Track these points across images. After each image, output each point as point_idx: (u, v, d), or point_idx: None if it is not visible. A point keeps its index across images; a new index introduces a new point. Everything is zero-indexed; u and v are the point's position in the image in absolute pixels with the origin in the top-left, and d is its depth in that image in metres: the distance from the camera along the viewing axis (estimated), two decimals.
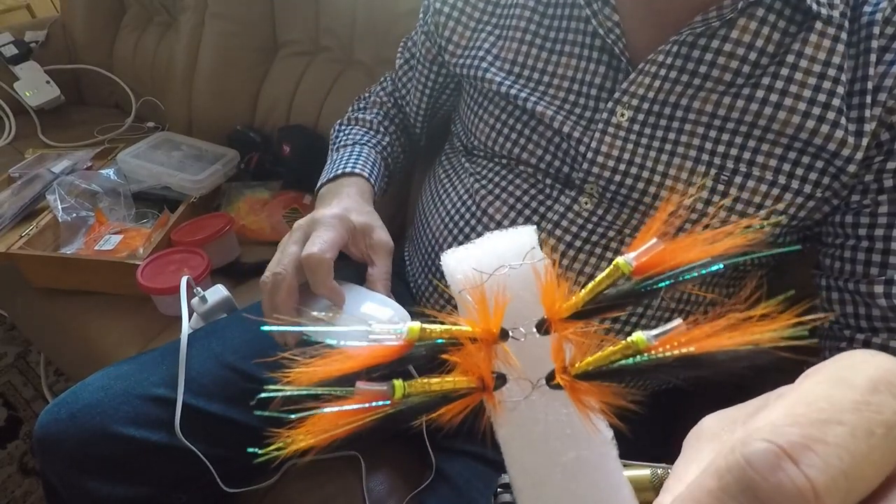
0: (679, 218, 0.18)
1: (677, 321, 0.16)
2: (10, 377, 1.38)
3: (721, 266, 0.17)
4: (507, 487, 0.22)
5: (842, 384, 0.13)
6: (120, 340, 0.87)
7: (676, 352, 0.16)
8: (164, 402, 0.59)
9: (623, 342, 0.17)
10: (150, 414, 0.58)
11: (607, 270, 0.18)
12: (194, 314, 0.75)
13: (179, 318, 0.68)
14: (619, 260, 0.18)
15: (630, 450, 0.19)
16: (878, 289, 0.46)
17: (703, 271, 0.17)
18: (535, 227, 0.21)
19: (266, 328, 0.20)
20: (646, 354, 0.16)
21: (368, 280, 0.57)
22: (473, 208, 0.63)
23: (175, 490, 0.61)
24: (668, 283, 0.17)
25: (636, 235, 0.18)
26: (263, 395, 0.17)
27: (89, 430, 0.57)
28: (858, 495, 0.12)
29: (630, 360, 0.16)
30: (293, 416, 0.16)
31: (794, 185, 0.49)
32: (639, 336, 0.16)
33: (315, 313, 0.52)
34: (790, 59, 0.48)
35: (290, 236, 0.56)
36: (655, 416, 0.65)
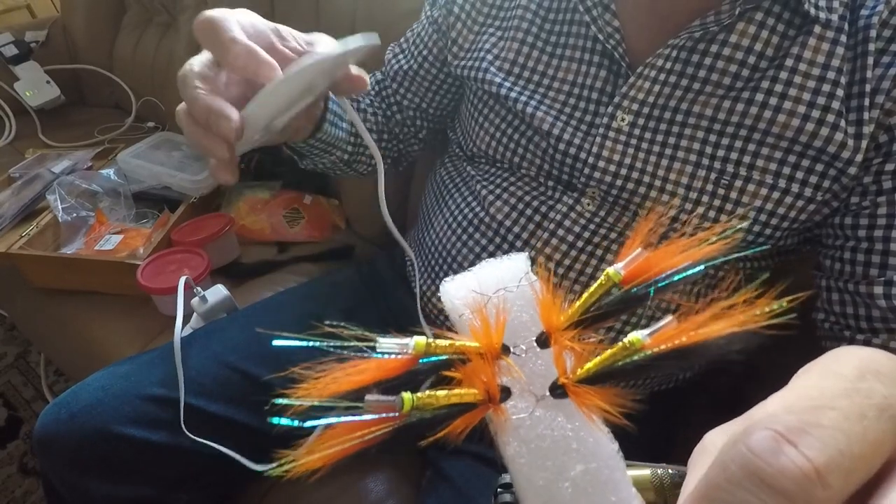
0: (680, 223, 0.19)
1: (668, 318, 0.17)
2: (10, 377, 1.38)
3: (702, 268, 0.18)
4: (507, 487, 0.22)
5: (831, 375, 0.14)
6: (120, 340, 0.87)
7: (671, 345, 0.17)
8: (164, 401, 0.59)
9: (620, 344, 0.17)
10: (150, 414, 0.58)
11: (599, 281, 0.19)
12: (194, 314, 0.75)
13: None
14: (609, 270, 0.19)
15: (630, 449, 0.19)
16: (878, 290, 0.46)
17: (686, 273, 0.18)
18: (526, 254, 0.22)
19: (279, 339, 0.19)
20: (643, 352, 0.17)
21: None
22: (478, 209, 0.63)
23: (176, 490, 0.61)
24: (655, 287, 0.18)
25: (628, 242, 0.19)
26: (276, 401, 0.17)
27: (89, 430, 0.57)
28: (861, 475, 0.13)
29: (629, 360, 0.17)
30: (306, 425, 0.17)
31: (795, 188, 0.49)
32: (634, 336, 0.17)
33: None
34: (789, 62, 0.48)
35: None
36: (655, 416, 0.65)
